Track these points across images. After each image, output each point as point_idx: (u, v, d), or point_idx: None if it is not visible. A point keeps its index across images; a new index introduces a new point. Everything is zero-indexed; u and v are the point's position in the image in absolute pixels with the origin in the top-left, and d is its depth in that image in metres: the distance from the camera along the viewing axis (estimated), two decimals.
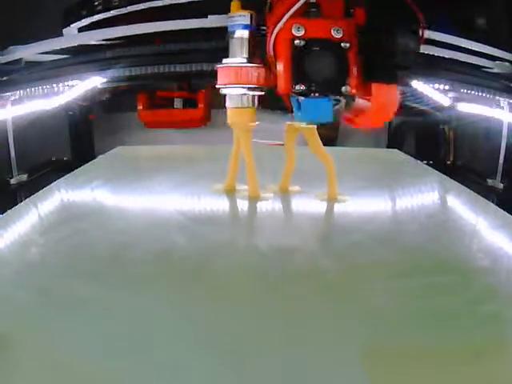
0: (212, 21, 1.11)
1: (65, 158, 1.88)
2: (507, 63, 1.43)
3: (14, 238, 0.49)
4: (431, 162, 1.54)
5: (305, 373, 0.28)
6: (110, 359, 0.29)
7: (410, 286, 0.39)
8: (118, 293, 0.38)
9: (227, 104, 0.56)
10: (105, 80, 1.50)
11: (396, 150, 1.07)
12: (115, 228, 0.53)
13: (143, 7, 1.38)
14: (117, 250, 0.46)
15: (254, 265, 0.44)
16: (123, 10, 1.40)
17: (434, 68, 1.44)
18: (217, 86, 0.56)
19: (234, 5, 0.55)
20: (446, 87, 1.49)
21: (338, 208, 0.61)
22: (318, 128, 0.61)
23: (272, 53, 0.52)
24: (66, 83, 1.48)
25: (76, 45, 1.39)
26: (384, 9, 0.52)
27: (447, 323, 0.34)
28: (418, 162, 0.93)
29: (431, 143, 2.06)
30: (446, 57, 1.38)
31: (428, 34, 1.35)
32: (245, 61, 0.54)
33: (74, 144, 2.02)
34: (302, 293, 0.38)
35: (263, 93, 0.56)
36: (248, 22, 0.54)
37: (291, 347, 0.31)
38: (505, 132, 1.48)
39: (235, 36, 0.54)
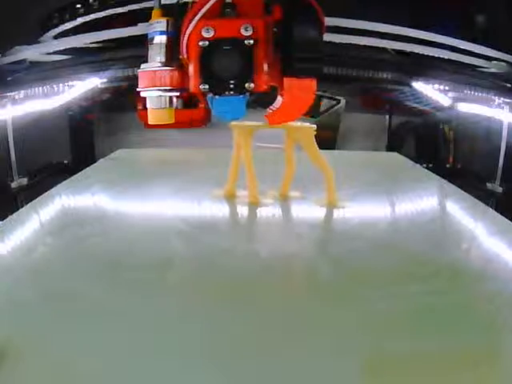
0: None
1: (65, 161, 1.88)
2: (503, 63, 1.43)
3: (16, 245, 0.49)
4: (431, 165, 1.54)
5: (304, 379, 0.28)
6: (110, 362, 0.30)
7: (408, 294, 0.39)
8: (119, 299, 0.38)
9: (147, 105, 0.59)
10: (105, 80, 1.51)
11: (396, 153, 1.07)
12: (116, 235, 0.53)
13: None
14: (118, 257, 0.47)
15: (254, 272, 0.44)
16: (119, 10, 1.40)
17: (430, 68, 1.44)
18: (137, 89, 0.58)
19: (155, 13, 0.57)
20: (445, 87, 1.49)
21: (337, 214, 0.62)
22: (317, 129, 0.62)
23: (185, 55, 0.54)
24: (66, 83, 1.49)
25: (79, 46, 1.39)
26: (285, 3, 0.53)
27: (445, 330, 0.34)
28: (418, 165, 0.93)
29: (431, 144, 2.06)
30: (441, 57, 1.39)
31: (425, 34, 1.36)
32: (159, 65, 0.56)
33: (74, 144, 2.03)
34: (302, 300, 0.39)
35: (178, 93, 0.58)
36: (164, 29, 0.56)
37: (290, 352, 0.31)
38: (504, 134, 1.48)
39: (154, 42, 0.57)
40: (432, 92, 1.60)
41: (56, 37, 1.52)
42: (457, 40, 1.40)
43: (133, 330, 0.34)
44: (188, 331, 0.34)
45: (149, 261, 0.46)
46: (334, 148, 2.08)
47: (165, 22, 0.56)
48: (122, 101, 2.10)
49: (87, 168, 0.86)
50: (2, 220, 0.57)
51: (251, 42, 0.51)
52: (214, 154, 1.00)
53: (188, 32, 0.52)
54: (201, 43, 0.51)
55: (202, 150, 1.13)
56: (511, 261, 0.48)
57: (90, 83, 1.52)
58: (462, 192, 0.73)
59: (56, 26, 1.50)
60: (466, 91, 1.43)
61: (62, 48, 1.40)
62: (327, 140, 2.00)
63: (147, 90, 0.57)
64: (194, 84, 0.53)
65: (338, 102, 2.12)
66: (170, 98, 0.58)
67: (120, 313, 0.36)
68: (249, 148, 0.62)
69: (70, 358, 0.30)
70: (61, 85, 1.49)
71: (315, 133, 0.62)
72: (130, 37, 1.36)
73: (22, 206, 0.64)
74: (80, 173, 0.83)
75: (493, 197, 1.41)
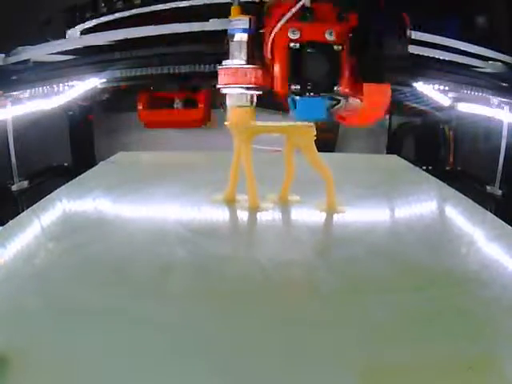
0: (213, 24, 1.12)
1: (65, 164, 1.88)
2: (499, 63, 1.44)
3: (17, 250, 0.50)
4: (430, 168, 1.54)
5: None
6: (110, 367, 0.30)
7: (405, 300, 0.40)
8: (120, 304, 0.38)
9: (227, 102, 0.59)
10: (104, 80, 1.50)
11: (395, 156, 1.07)
12: (117, 240, 0.54)
13: (147, 10, 1.39)
14: (119, 263, 0.47)
15: (254, 278, 0.44)
16: (126, 13, 1.40)
17: (427, 68, 1.45)
18: (217, 86, 0.58)
19: (235, 10, 0.57)
20: (444, 87, 1.49)
21: (336, 219, 0.62)
22: (317, 131, 0.62)
23: (269, 55, 0.55)
24: (66, 83, 1.49)
25: (82, 46, 1.39)
26: (373, 13, 0.54)
27: (441, 336, 0.34)
28: (417, 168, 0.93)
29: (431, 146, 2.06)
30: (440, 58, 1.39)
31: (420, 35, 1.36)
32: (243, 62, 0.57)
33: (74, 145, 2.02)
34: (301, 306, 0.39)
35: (261, 92, 0.58)
36: (247, 26, 0.56)
37: (290, 358, 0.32)
38: (504, 135, 1.48)
39: (235, 39, 0.57)
40: (432, 92, 1.60)
41: (83, 33, 1.51)
42: (455, 41, 1.41)
43: (133, 335, 0.34)
44: (188, 337, 0.34)
45: (150, 267, 0.46)
46: (333, 149, 2.08)
47: (247, 20, 0.56)
48: (122, 101, 2.10)
49: (87, 171, 0.86)
50: (4, 224, 0.57)
51: (340, 47, 0.53)
52: (214, 157, 1.00)
53: (274, 33, 0.53)
54: (292, 44, 0.53)
55: (202, 153, 1.13)
56: (508, 266, 0.48)
57: (90, 83, 1.52)
58: (461, 195, 0.73)
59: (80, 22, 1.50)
60: (465, 91, 1.43)
61: (64, 49, 1.40)
62: (327, 142, 2.00)
63: (229, 86, 0.57)
64: (282, 84, 0.54)
65: (338, 101, 2.12)
66: (251, 96, 0.58)
67: (120, 318, 0.36)
68: (249, 154, 0.62)
69: (71, 363, 0.31)
70: (61, 85, 1.49)
71: (315, 138, 0.62)
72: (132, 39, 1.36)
73: (23, 209, 0.64)
74: (80, 176, 0.83)
75: (492, 200, 1.41)
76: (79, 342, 0.33)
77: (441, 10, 1.60)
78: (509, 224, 0.58)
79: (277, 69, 0.54)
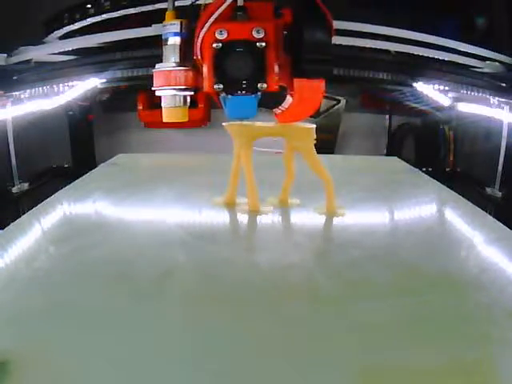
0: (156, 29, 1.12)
1: (65, 165, 1.89)
2: (497, 63, 1.44)
3: (18, 254, 0.50)
4: (430, 170, 1.54)
5: None
6: (111, 371, 0.31)
7: (404, 305, 0.40)
8: (121, 309, 0.39)
9: (162, 104, 0.60)
10: (104, 80, 1.51)
11: (395, 157, 1.07)
12: (118, 244, 0.54)
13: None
14: (120, 267, 0.47)
15: (253, 282, 0.44)
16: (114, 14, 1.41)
17: (429, 69, 1.45)
18: (152, 89, 0.60)
19: (169, 14, 0.59)
20: (444, 87, 1.50)
21: (336, 222, 0.62)
22: (317, 132, 0.62)
23: (199, 56, 0.56)
24: (66, 83, 1.49)
25: (83, 47, 1.40)
26: (295, 7, 0.55)
27: (440, 341, 0.35)
28: (417, 170, 0.94)
29: (431, 146, 2.06)
30: (439, 58, 1.40)
31: (419, 36, 1.37)
32: (174, 65, 0.58)
33: (74, 145, 2.03)
34: (301, 311, 0.39)
35: (193, 93, 0.60)
36: (178, 30, 0.58)
37: (289, 362, 0.32)
38: (504, 136, 1.48)
39: (168, 43, 0.59)
40: (432, 92, 1.61)
41: (61, 38, 1.52)
42: (453, 41, 1.41)
43: (134, 339, 0.34)
44: (189, 341, 0.34)
45: (151, 271, 0.46)
46: (333, 150, 2.08)
47: (178, 23, 0.58)
48: (122, 101, 2.11)
49: (88, 174, 0.87)
50: (5, 227, 0.57)
51: (263, 44, 0.53)
52: (214, 160, 1.00)
53: (202, 34, 0.54)
54: (214, 45, 0.53)
55: (202, 156, 1.13)
56: (508, 270, 0.48)
57: (90, 83, 1.52)
58: (461, 198, 0.73)
59: (61, 26, 1.51)
60: (464, 91, 1.44)
61: (66, 49, 1.41)
62: (327, 142, 2.01)
63: (162, 88, 0.59)
64: (208, 84, 0.55)
65: (338, 101, 2.12)
66: (184, 96, 0.59)
67: (121, 323, 0.37)
68: (249, 157, 0.62)
69: (72, 368, 0.31)
70: (61, 85, 1.49)
71: (315, 142, 0.62)
72: (138, 38, 1.36)
73: (24, 212, 0.64)
74: (81, 179, 0.83)
75: (492, 202, 1.41)
76: (80, 347, 0.33)
77: (440, 10, 1.60)
78: (508, 226, 0.59)
79: (204, 69, 0.55)
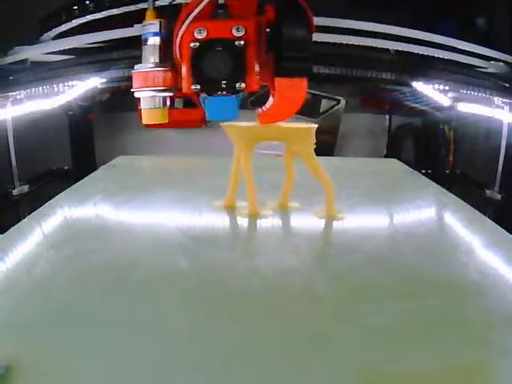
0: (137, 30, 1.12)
1: (65, 167, 1.89)
2: (501, 63, 1.43)
3: (20, 258, 0.50)
4: (430, 171, 1.54)
5: None
6: (111, 376, 0.31)
7: (404, 310, 0.40)
8: (121, 315, 0.39)
9: (141, 105, 0.59)
10: (104, 80, 1.50)
11: (395, 159, 1.07)
12: (118, 248, 0.54)
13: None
14: (120, 272, 0.47)
15: (253, 287, 0.45)
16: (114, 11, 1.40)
17: (430, 68, 1.45)
18: (131, 90, 0.59)
19: (149, 14, 0.58)
20: (445, 87, 1.49)
21: (336, 226, 0.62)
22: (317, 133, 0.62)
23: (178, 56, 0.55)
24: (66, 83, 1.49)
25: (82, 46, 1.39)
26: (277, 3, 0.54)
27: (439, 345, 0.35)
28: (417, 172, 0.94)
29: (431, 147, 2.06)
30: (441, 57, 1.39)
31: (424, 35, 1.36)
32: (152, 65, 0.57)
33: (74, 145, 2.03)
34: (300, 316, 0.39)
35: (172, 94, 0.58)
36: (157, 30, 0.57)
37: (289, 366, 0.32)
38: (504, 138, 1.48)
39: (148, 43, 0.57)
40: (432, 92, 1.60)
41: (54, 38, 1.52)
42: (456, 40, 1.40)
43: (134, 345, 0.34)
44: (188, 346, 0.35)
45: (150, 276, 0.46)
46: (333, 150, 2.08)
47: (158, 23, 0.57)
48: (122, 101, 2.10)
49: (87, 176, 0.87)
50: (6, 230, 0.57)
51: (242, 42, 0.52)
52: (214, 162, 1.00)
53: (181, 33, 0.53)
54: (192, 44, 0.52)
55: (202, 158, 1.13)
56: (507, 275, 0.48)
57: (90, 83, 1.52)
58: (461, 201, 0.73)
59: (55, 26, 1.51)
60: (466, 91, 1.43)
61: (62, 48, 1.40)
62: (327, 143, 2.01)
63: (141, 90, 0.58)
64: (187, 84, 0.54)
65: (338, 102, 2.12)
66: (164, 98, 0.58)
67: (121, 327, 0.37)
68: (248, 161, 0.62)
69: (72, 373, 0.31)
70: (61, 85, 1.49)
71: (315, 146, 0.62)
72: (130, 37, 1.36)
73: (24, 214, 0.64)
74: (81, 181, 0.83)
75: (491, 204, 1.41)
76: (80, 352, 0.33)
77: (442, 10, 1.60)
78: (507, 229, 0.59)
79: (183, 69, 0.54)
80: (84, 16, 1.47)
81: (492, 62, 1.45)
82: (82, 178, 0.86)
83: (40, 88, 1.43)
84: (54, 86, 1.45)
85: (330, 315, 0.40)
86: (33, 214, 0.64)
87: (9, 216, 1.18)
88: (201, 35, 0.52)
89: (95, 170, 0.94)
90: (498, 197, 1.41)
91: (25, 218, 0.63)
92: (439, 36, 1.39)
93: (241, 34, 0.52)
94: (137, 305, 0.41)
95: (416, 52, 1.43)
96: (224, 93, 0.53)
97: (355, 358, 0.33)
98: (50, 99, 1.54)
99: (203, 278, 0.46)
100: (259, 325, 0.38)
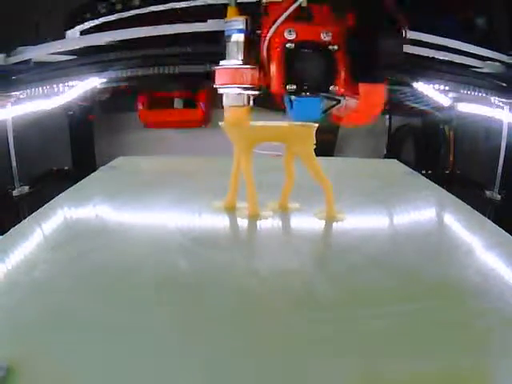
0: (211, 25, 1.12)
1: (66, 168, 1.89)
2: (497, 63, 1.43)
3: (20, 259, 0.50)
4: (430, 172, 1.53)
5: None
6: (111, 379, 0.31)
7: (403, 312, 0.40)
8: (121, 316, 0.39)
9: (224, 102, 0.59)
10: (105, 80, 1.50)
11: (395, 160, 1.07)
12: (118, 250, 0.54)
13: (146, 11, 1.38)
14: (120, 273, 0.47)
15: (253, 289, 0.45)
16: (125, 14, 1.40)
17: (425, 68, 1.45)
18: (214, 86, 0.59)
19: (231, 10, 0.58)
20: (445, 87, 1.49)
21: (336, 227, 0.62)
22: (317, 133, 0.62)
23: (266, 55, 0.55)
24: (66, 83, 1.49)
25: (82, 46, 1.39)
26: (367, 12, 0.54)
27: (438, 348, 0.35)
28: (417, 173, 0.94)
29: (431, 147, 2.06)
30: (439, 58, 1.39)
31: (418, 35, 1.36)
32: (240, 63, 0.57)
33: (74, 145, 2.03)
34: (300, 318, 0.39)
35: (257, 92, 0.59)
36: (243, 27, 0.57)
37: (288, 368, 0.32)
38: (504, 139, 1.48)
39: (231, 40, 0.57)
40: (432, 92, 1.60)
41: (82, 34, 1.51)
42: (455, 41, 1.40)
43: (134, 346, 0.35)
44: (188, 348, 0.35)
45: (150, 278, 0.46)
46: (334, 150, 2.08)
47: (243, 20, 0.57)
48: (123, 101, 2.10)
49: (87, 177, 0.87)
50: (7, 231, 0.57)
51: (335, 47, 0.54)
52: (214, 163, 1.00)
53: (270, 33, 0.54)
54: (288, 45, 0.53)
55: (202, 158, 1.13)
56: (506, 276, 0.48)
57: (90, 83, 1.52)
58: (461, 202, 0.73)
59: (79, 23, 1.50)
60: (465, 91, 1.43)
61: (66, 49, 1.40)
62: (327, 143, 2.00)
63: (227, 86, 0.58)
64: (278, 84, 0.55)
65: (338, 101, 2.12)
66: (248, 96, 0.59)
67: (121, 328, 0.37)
68: (248, 162, 0.62)
69: (72, 376, 0.31)
70: (61, 85, 1.49)
71: (315, 146, 0.63)
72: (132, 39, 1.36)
73: (24, 215, 0.64)
74: (80, 182, 0.83)
75: (491, 205, 1.41)
76: (80, 353, 0.33)
77: (439, 10, 1.60)
78: (507, 229, 0.59)
79: (273, 69, 0.55)
80: (112, 14, 1.47)
81: (488, 62, 1.46)
82: (82, 178, 0.86)
83: (40, 88, 1.43)
84: (55, 86, 1.45)
85: (329, 317, 0.40)
86: (33, 214, 0.64)
87: (9, 217, 1.18)
88: (291, 36, 0.53)
89: (95, 170, 0.94)
90: (498, 197, 1.41)
91: (25, 218, 0.63)
92: (436, 37, 1.39)
93: (328, 38, 0.53)
94: (136, 306, 0.41)
95: (416, 53, 1.43)
96: (311, 94, 0.55)
97: (355, 360, 0.33)
98: (50, 99, 1.54)
99: (203, 279, 0.46)
100: (259, 326, 0.38)
